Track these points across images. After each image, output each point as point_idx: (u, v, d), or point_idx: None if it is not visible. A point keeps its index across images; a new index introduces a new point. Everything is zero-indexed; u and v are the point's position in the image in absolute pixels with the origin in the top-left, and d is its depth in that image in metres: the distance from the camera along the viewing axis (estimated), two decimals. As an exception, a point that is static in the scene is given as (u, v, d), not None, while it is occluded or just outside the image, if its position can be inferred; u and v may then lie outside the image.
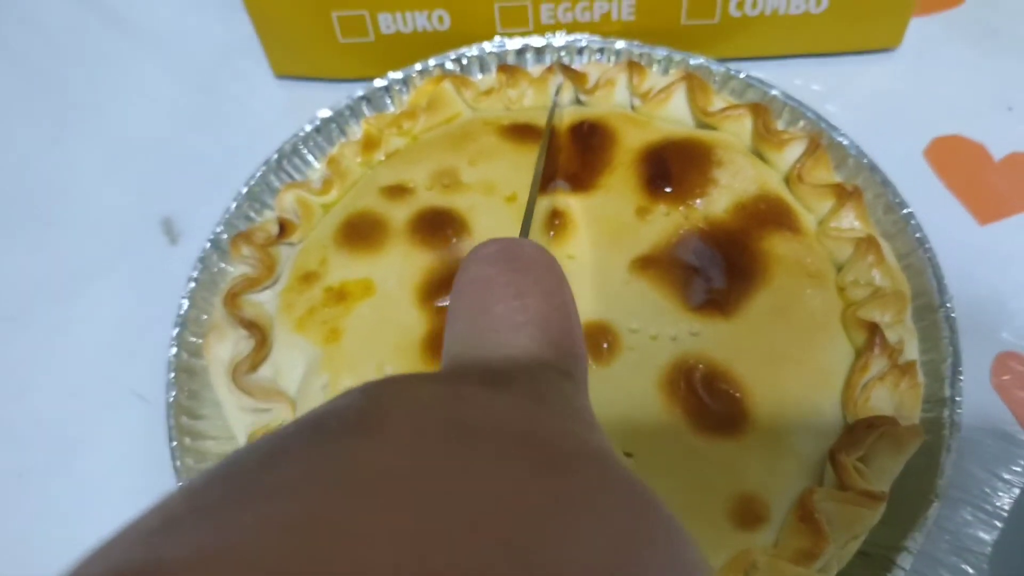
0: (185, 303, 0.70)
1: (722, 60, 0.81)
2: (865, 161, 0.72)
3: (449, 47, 0.85)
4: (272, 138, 0.84)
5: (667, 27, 0.86)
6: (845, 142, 0.73)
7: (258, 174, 0.76)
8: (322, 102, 0.87)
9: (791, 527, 0.57)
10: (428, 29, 0.86)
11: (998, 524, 0.65)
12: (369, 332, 0.66)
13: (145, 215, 0.86)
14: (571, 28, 0.85)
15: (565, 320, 0.35)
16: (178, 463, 0.64)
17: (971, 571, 0.63)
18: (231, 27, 0.93)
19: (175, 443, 0.64)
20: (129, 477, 0.69)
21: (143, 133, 0.92)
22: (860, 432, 0.58)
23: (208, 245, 0.73)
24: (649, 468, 0.59)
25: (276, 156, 0.77)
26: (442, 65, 0.81)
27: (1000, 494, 0.67)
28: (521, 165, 0.73)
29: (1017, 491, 0.67)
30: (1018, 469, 0.68)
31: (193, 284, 0.71)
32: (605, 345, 0.64)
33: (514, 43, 0.82)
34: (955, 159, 0.83)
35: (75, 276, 0.83)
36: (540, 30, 0.86)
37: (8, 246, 0.86)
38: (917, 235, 0.68)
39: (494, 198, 0.71)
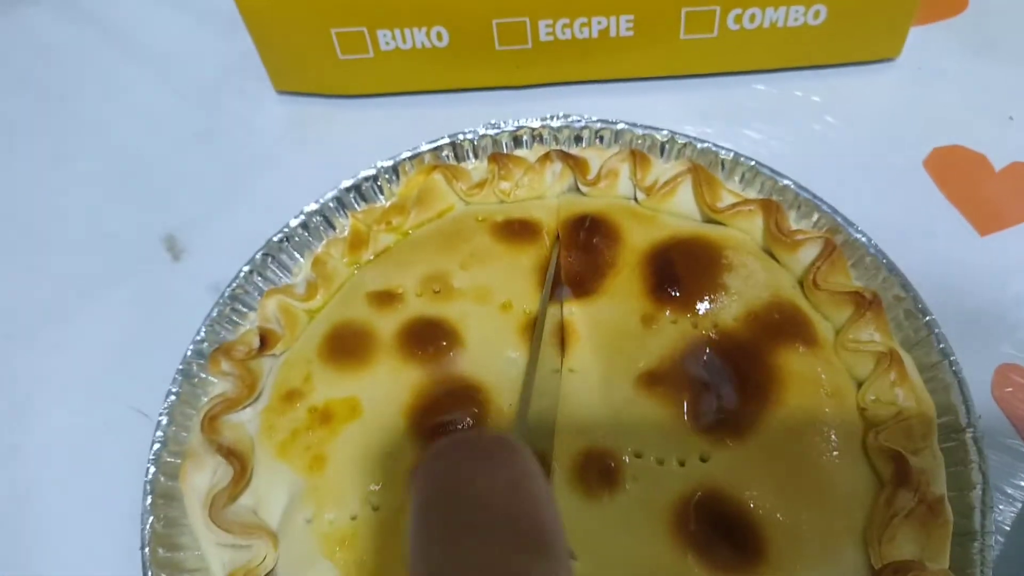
0: (164, 419, 0.66)
1: (723, 73, 0.83)
2: (884, 261, 0.68)
3: (448, 64, 0.86)
4: (273, 155, 0.89)
5: (666, 42, 0.85)
6: (863, 239, 0.69)
7: (241, 274, 0.72)
8: (321, 118, 0.91)
9: None
10: (427, 46, 0.86)
11: (1000, 539, 0.63)
12: (355, 459, 0.61)
13: (148, 232, 0.86)
14: (568, 45, 0.85)
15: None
16: None
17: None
18: (232, 45, 0.94)
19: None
20: (127, 496, 0.66)
21: (145, 151, 0.93)
22: (886, 579, 0.54)
23: (189, 353, 0.69)
24: (659, 613, 0.55)
25: (261, 254, 0.73)
26: (434, 151, 0.77)
27: (1001, 507, 0.64)
28: (516, 269, 0.68)
29: (1020, 505, 0.65)
30: (1020, 483, 0.66)
31: (173, 398, 0.67)
32: (607, 472, 0.60)
33: (509, 125, 0.78)
34: (955, 169, 0.82)
35: (79, 293, 0.83)
36: (539, 48, 0.85)
37: (9, 264, 0.86)
38: (941, 346, 0.64)
39: (488, 306, 0.67)
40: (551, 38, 0.85)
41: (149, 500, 0.63)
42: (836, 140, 0.85)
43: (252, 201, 0.83)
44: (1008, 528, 0.64)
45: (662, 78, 0.90)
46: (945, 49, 0.92)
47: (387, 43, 0.85)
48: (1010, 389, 0.70)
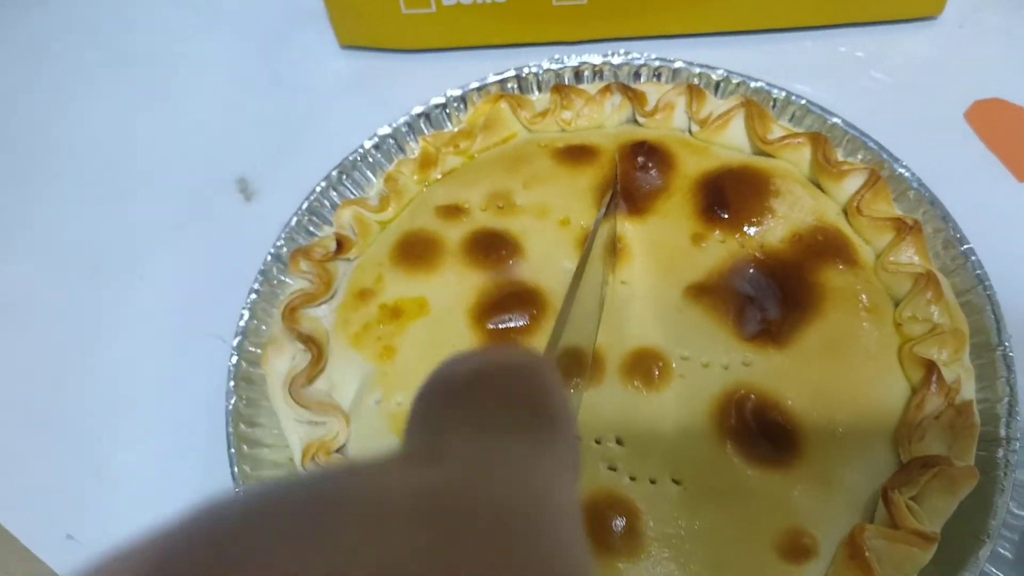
0: (246, 314, 0.72)
1: (771, 30, 0.85)
2: (926, 195, 0.71)
3: (506, 19, 0.90)
4: (338, 106, 0.92)
5: None
6: (907, 174, 0.72)
7: (318, 189, 0.78)
8: (383, 73, 0.95)
9: (840, 563, 0.57)
10: (487, 2, 0.90)
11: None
12: (422, 351, 0.66)
13: (220, 175, 0.91)
14: (624, 1, 0.89)
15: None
16: (235, 469, 0.65)
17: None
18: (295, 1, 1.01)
19: (233, 450, 0.66)
20: (207, 413, 0.72)
21: (213, 100, 0.98)
22: (914, 471, 0.58)
23: (268, 258, 0.74)
24: (697, 497, 0.60)
25: (336, 171, 0.79)
26: (500, 83, 0.82)
27: None
28: (574, 190, 0.73)
29: None
30: None
31: (254, 296, 0.73)
32: (656, 371, 0.64)
33: (572, 61, 0.83)
34: (995, 120, 0.86)
35: (159, 232, 0.88)
36: (595, 3, 0.88)
37: (95, 206, 0.91)
38: (977, 272, 0.67)
39: (547, 222, 0.72)
40: None
41: (232, 383, 0.69)
42: (880, 93, 0.88)
43: (317, 147, 0.85)
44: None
45: (714, 34, 0.93)
46: (986, 7, 0.94)
47: None
48: None
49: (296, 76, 0.98)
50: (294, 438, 0.65)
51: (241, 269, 0.75)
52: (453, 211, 0.73)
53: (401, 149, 0.82)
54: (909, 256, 0.67)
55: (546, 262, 0.70)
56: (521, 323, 0.66)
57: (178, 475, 0.72)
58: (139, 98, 1.00)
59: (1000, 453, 0.61)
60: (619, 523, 0.59)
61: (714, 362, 0.64)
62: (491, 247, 0.70)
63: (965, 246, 0.69)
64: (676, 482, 0.60)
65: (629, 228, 0.71)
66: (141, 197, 0.91)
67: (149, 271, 0.85)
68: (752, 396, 0.62)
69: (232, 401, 0.68)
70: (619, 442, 0.62)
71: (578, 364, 0.66)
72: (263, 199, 0.89)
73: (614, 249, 0.70)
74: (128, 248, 0.87)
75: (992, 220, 0.70)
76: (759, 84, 0.79)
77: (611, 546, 0.58)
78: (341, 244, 0.72)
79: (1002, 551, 0.66)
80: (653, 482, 0.60)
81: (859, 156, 0.75)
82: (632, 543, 0.59)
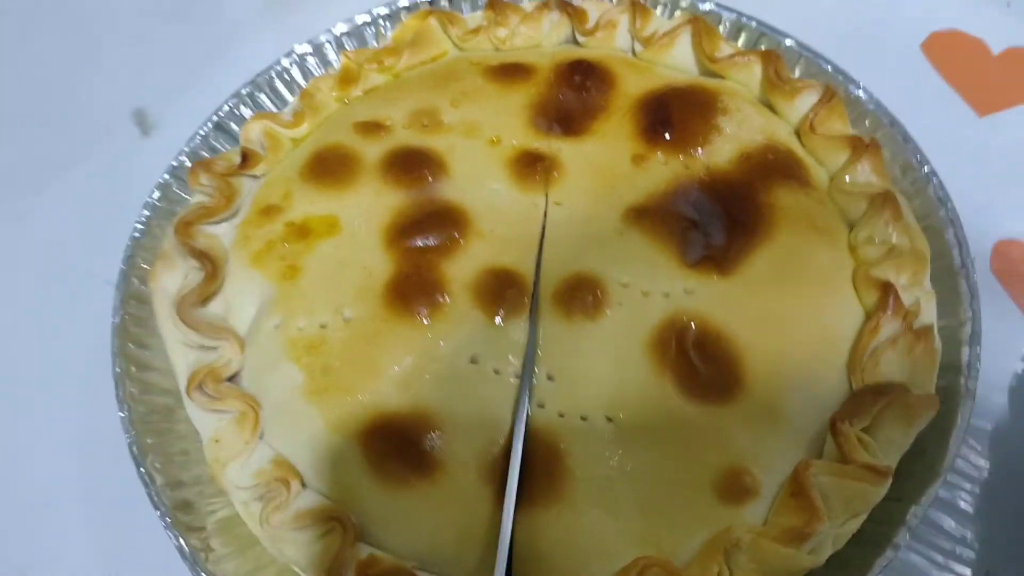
0: (139, 228, 0.65)
1: None
2: (885, 118, 0.66)
3: None
4: (249, 32, 0.84)
5: None
6: (864, 95, 0.67)
7: (228, 105, 0.71)
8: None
9: (782, 503, 0.51)
10: None
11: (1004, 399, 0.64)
12: (330, 272, 0.60)
13: (117, 107, 0.83)
14: None
15: None
16: (121, 392, 0.58)
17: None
18: None
19: (119, 369, 0.59)
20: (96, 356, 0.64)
21: (116, 25, 0.89)
22: (866, 399, 0.52)
23: (167, 176, 0.67)
24: (632, 434, 0.54)
25: (248, 88, 0.72)
26: (431, 0, 0.76)
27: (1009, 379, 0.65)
28: (507, 108, 0.67)
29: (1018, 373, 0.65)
30: (1018, 351, 0.66)
31: (147, 212, 0.66)
32: (591, 299, 0.58)
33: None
34: (954, 53, 0.82)
35: (47, 166, 0.80)
36: None
37: None
38: (939, 194, 0.62)
39: (476, 140, 0.65)
40: None
41: (119, 298, 0.61)
42: (834, 23, 0.82)
43: (225, 76, 0.77)
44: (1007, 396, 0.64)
45: None
46: None
47: None
48: (1007, 263, 0.69)
49: (207, 1, 0.91)
50: (181, 363, 0.58)
51: (133, 211, 0.67)
52: (373, 128, 0.66)
53: (323, 68, 0.75)
54: (866, 176, 0.62)
55: (472, 181, 0.64)
56: (439, 243, 0.60)
57: (60, 399, 0.66)
58: (29, 19, 0.91)
59: (961, 381, 0.55)
60: (543, 467, 0.53)
61: (655, 290, 0.58)
62: (412, 164, 0.64)
63: (926, 167, 0.64)
64: (609, 419, 0.54)
65: (565, 147, 0.65)
66: (22, 133, 0.83)
67: (32, 213, 0.78)
68: (694, 325, 0.56)
69: (119, 317, 0.61)
70: (550, 377, 0.56)
71: (509, 290, 0.60)
72: (163, 132, 0.82)
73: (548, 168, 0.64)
74: (8, 188, 0.80)
75: (954, 155, 0.66)
76: (708, 6, 0.73)
77: (531, 494, 0.52)
78: (246, 158, 0.65)
79: (962, 504, 0.61)
80: (584, 419, 0.54)
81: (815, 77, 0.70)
82: (556, 488, 0.52)
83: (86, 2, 0.91)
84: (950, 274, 0.59)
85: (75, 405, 0.66)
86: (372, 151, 0.65)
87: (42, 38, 0.88)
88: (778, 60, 0.67)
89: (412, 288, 0.58)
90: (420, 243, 0.60)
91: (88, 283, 0.70)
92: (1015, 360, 0.65)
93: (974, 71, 0.79)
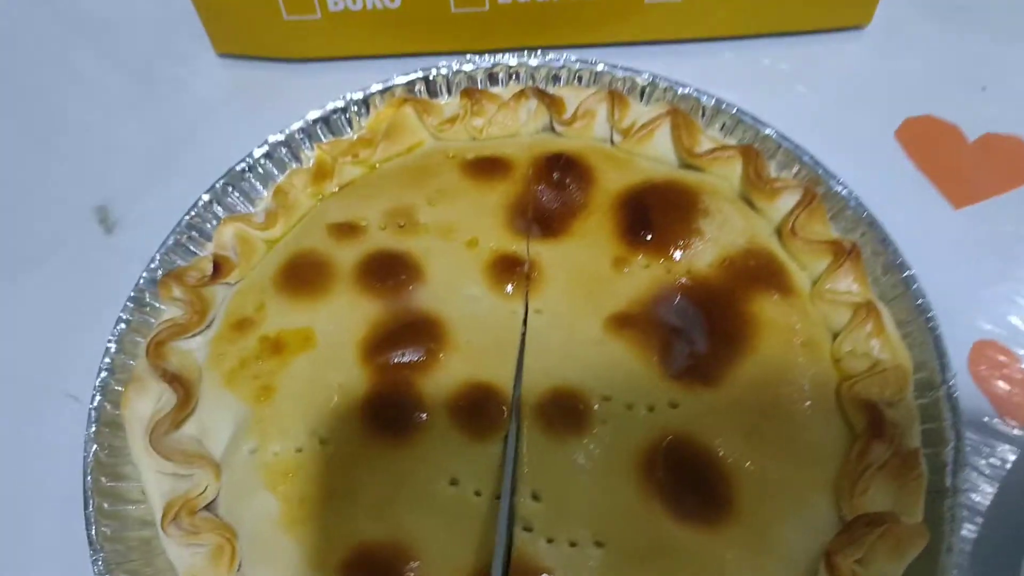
0: (112, 346, 0.63)
1: (689, 40, 0.81)
2: (864, 215, 0.66)
3: (400, 27, 0.81)
4: (215, 123, 0.80)
5: (629, 7, 0.81)
6: (843, 192, 0.66)
7: (200, 203, 0.69)
8: (266, 84, 0.83)
9: (778, 638, 0.51)
10: (378, 7, 0.80)
11: (979, 520, 0.62)
12: (305, 391, 0.58)
13: (79, 203, 0.80)
14: (527, 9, 0.80)
15: None
16: (92, 532, 0.56)
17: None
18: (168, 3, 0.88)
19: (91, 508, 0.57)
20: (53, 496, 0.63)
21: (76, 118, 0.86)
22: (859, 530, 0.51)
23: (141, 281, 0.66)
24: (622, 560, 0.52)
25: (221, 182, 0.70)
26: (407, 85, 0.74)
27: (982, 486, 0.63)
28: (483, 207, 0.65)
29: (997, 484, 0.63)
30: (996, 462, 0.64)
31: (123, 326, 0.64)
32: (575, 414, 0.57)
33: (485, 61, 0.75)
34: (928, 140, 0.80)
35: (3, 267, 0.76)
36: (497, 10, 0.79)
37: None
38: (919, 301, 0.62)
39: (452, 242, 0.64)
40: (510, 0, 0.80)
41: (94, 428, 0.60)
42: (805, 110, 0.81)
43: (192, 170, 0.74)
44: (985, 510, 0.62)
45: (626, 44, 0.85)
46: (916, 16, 0.89)
47: (335, 3, 0.80)
48: (985, 366, 0.68)
49: (168, 89, 0.87)
50: (155, 492, 0.57)
51: (99, 313, 0.65)
52: (347, 230, 0.65)
53: (296, 158, 0.73)
54: (847, 284, 0.61)
55: (449, 287, 0.62)
56: (416, 358, 0.59)
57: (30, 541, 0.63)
58: None
59: (946, 504, 0.55)
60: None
61: (638, 403, 0.57)
62: (389, 271, 0.63)
63: (907, 272, 0.63)
64: (599, 544, 0.53)
65: (543, 251, 0.64)
66: None
67: None
68: (680, 444, 0.55)
69: (92, 450, 0.59)
70: (535, 497, 0.55)
71: (488, 405, 0.59)
72: (126, 230, 0.78)
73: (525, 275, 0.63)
74: None
75: (928, 248, 0.65)
76: (688, 90, 0.72)
77: None
78: (219, 267, 0.64)
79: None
80: (573, 545, 0.53)
81: (795, 169, 0.69)
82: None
83: (42, 94, 0.88)
84: (931, 388, 0.59)
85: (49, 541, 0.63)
86: (347, 256, 0.64)
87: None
88: (758, 157, 0.66)
89: (389, 408, 0.57)
90: (396, 359, 0.59)
91: (55, 400, 0.68)
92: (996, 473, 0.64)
93: (949, 159, 0.77)
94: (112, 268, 0.68)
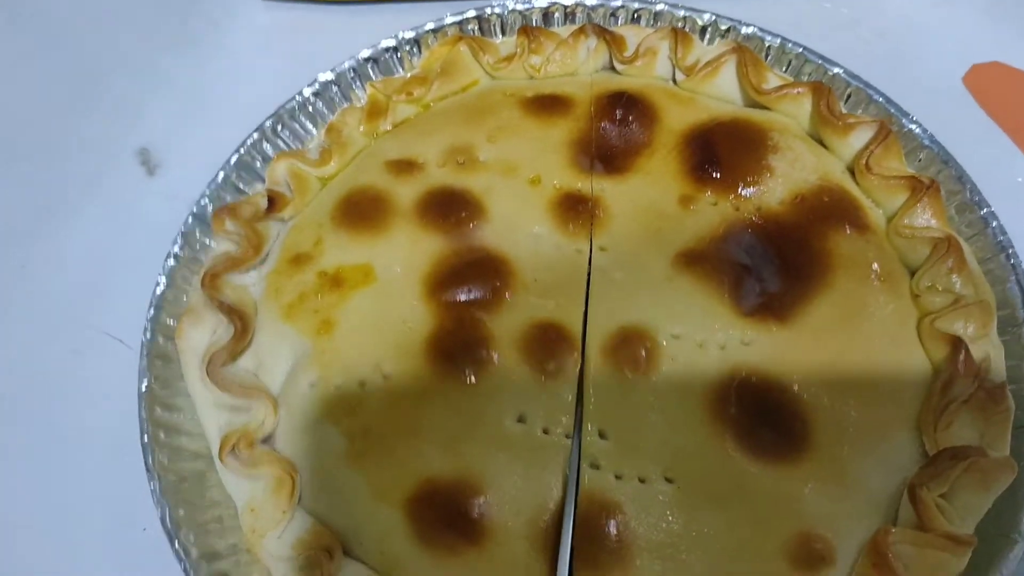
0: (162, 281, 0.61)
1: None
2: (939, 153, 0.63)
3: None
4: (257, 67, 0.78)
5: None
6: (917, 130, 0.64)
7: (249, 141, 0.67)
8: (310, 28, 0.81)
9: (862, 572, 0.49)
10: None
11: None
12: (366, 326, 0.57)
13: (121, 145, 0.78)
14: None
15: None
16: (150, 459, 0.55)
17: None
18: None
19: (147, 438, 0.55)
20: (104, 432, 0.62)
21: (117, 59, 0.84)
22: (944, 464, 0.49)
23: (190, 218, 0.64)
24: (695, 498, 0.51)
25: (271, 121, 0.68)
26: (459, 24, 0.72)
27: None
28: (545, 144, 0.63)
29: None
30: None
31: (172, 261, 0.62)
32: (643, 352, 0.55)
33: (540, 1, 0.73)
34: (996, 86, 0.78)
35: (47, 210, 0.75)
36: None
37: None
38: (999, 238, 0.60)
39: (515, 180, 0.62)
40: None
41: (145, 361, 0.58)
42: (869, 54, 0.79)
43: (232, 114, 0.73)
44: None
45: None
46: None
47: None
48: None
49: (211, 30, 0.85)
50: (212, 425, 0.55)
51: (142, 257, 0.63)
52: (406, 166, 0.63)
53: (346, 98, 0.71)
54: (926, 219, 0.59)
55: (512, 226, 0.60)
56: (482, 296, 0.57)
57: (87, 472, 0.62)
58: (26, 54, 0.85)
59: (1033, 441, 0.53)
60: (599, 534, 0.50)
61: (710, 341, 0.55)
62: (450, 208, 0.61)
63: (985, 210, 0.61)
64: (669, 480, 0.51)
65: (608, 187, 0.62)
66: (20, 174, 0.77)
67: (33, 262, 0.73)
68: (754, 380, 0.54)
69: (145, 382, 0.57)
70: (602, 435, 0.53)
71: (557, 345, 0.57)
72: (168, 172, 0.77)
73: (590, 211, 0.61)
74: (5, 235, 0.74)
75: (1000, 192, 0.63)
76: (751, 30, 0.70)
77: (594, 559, 0.49)
78: (273, 201, 0.62)
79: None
80: (643, 481, 0.52)
81: (863, 111, 0.67)
82: (614, 557, 0.49)
83: (84, 36, 0.86)
84: (1013, 324, 0.57)
85: (100, 476, 0.62)
86: (406, 192, 0.62)
87: (36, 75, 0.84)
88: (829, 93, 0.64)
89: (457, 345, 0.55)
90: (462, 296, 0.57)
91: (98, 341, 0.67)
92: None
93: (1018, 104, 0.75)
94: (154, 210, 0.66)
